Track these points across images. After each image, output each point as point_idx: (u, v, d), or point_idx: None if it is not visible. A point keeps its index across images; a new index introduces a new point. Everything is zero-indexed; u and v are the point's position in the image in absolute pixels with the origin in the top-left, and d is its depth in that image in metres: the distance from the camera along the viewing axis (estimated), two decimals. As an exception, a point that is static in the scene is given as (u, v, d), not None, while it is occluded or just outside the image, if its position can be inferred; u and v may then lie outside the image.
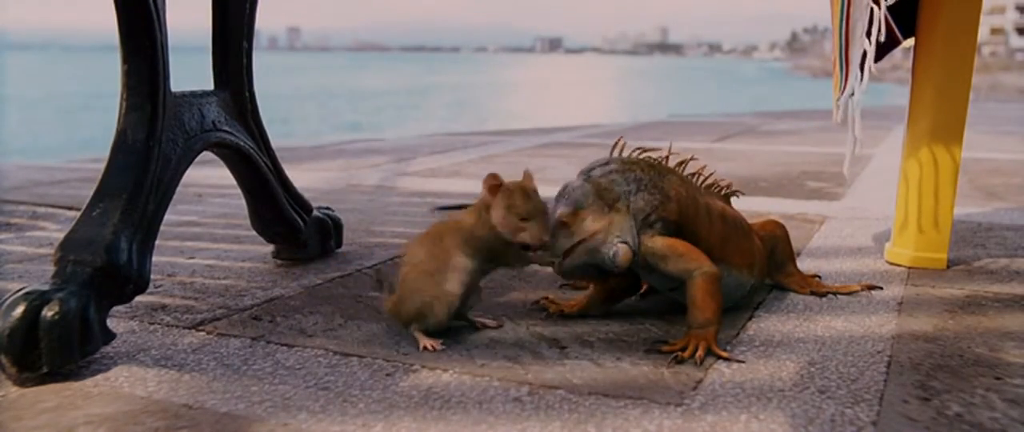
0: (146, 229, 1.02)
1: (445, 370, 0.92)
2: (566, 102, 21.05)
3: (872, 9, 1.23)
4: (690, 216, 0.99)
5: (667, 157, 1.04)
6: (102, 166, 1.03)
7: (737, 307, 1.11)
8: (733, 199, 1.16)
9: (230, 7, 1.30)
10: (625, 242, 0.96)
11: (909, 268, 1.38)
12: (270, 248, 1.45)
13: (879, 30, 1.23)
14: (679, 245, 0.97)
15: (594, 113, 13.43)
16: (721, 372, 0.91)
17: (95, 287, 0.93)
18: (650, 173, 0.99)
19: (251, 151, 1.30)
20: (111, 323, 0.99)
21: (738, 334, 1.03)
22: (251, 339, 1.03)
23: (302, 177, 2.34)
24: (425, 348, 0.98)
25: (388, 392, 0.86)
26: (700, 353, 0.93)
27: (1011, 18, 59.28)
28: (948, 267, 1.38)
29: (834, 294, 1.21)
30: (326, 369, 0.92)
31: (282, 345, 1.00)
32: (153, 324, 1.08)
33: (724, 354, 0.94)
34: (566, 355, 0.96)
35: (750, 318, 1.10)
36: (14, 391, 0.86)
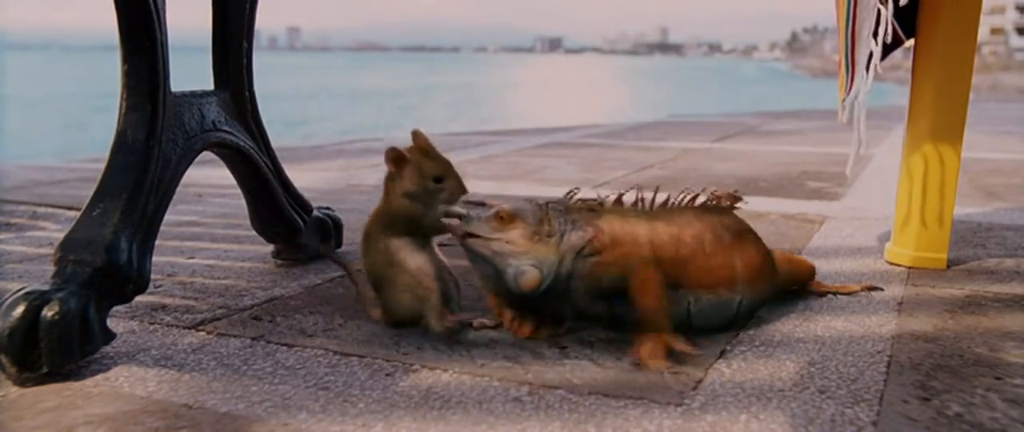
0: (146, 229, 1.02)
1: (445, 370, 0.92)
2: (566, 102, 21.05)
3: (879, 10, 1.23)
4: (627, 248, 0.96)
5: (619, 198, 1.02)
6: (102, 166, 1.03)
7: (733, 325, 1.06)
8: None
9: (230, 7, 1.30)
10: (538, 269, 0.94)
11: (909, 268, 1.38)
12: (270, 248, 1.45)
13: (886, 31, 1.23)
14: (610, 256, 0.96)
15: (594, 113, 13.43)
16: (721, 372, 0.91)
17: (95, 287, 0.93)
18: (588, 215, 0.99)
19: (251, 151, 1.30)
20: (111, 323, 0.99)
21: (738, 334, 1.03)
22: (251, 339, 1.03)
23: (302, 177, 2.34)
24: (476, 326, 1.00)
25: (388, 392, 0.86)
26: (659, 356, 0.91)
27: (1011, 18, 59.28)
28: (948, 267, 1.38)
29: (834, 294, 1.20)
30: (326, 369, 0.92)
31: (282, 345, 1.00)
32: (153, 324, 1.08)
33: (683, 347, 0.92)
34: (566, 355, 0.96)
35: (751, 318, 1.10)
36: (14, 391, 0.86)
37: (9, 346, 0.86)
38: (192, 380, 0.89)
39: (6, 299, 0.89)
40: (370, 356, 0.96)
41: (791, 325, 1.07)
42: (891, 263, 1.41)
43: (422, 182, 0.96)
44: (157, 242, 1.06)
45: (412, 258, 0.99)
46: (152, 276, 1.03)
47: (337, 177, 2.58)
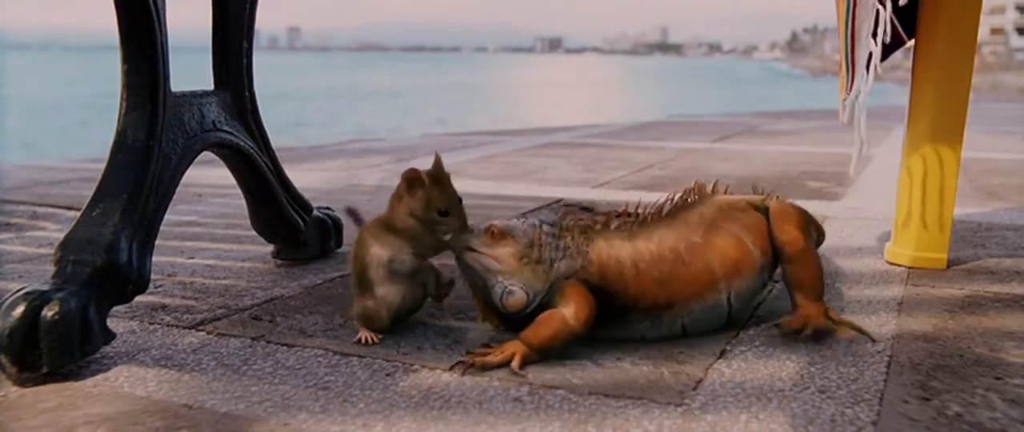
0: (146, 229, 1.02)
1: (445, 370, 0.92)
2: (566, 102, 21.05)
3: (878, 10, 1.23)
4: (614, 276, 0.97)
5: (608, 218, 1.02)
6: (102, 166, 1.03)
7: (733, 323, 1.06)
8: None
9: (230, 7, 1.30)
10: (525, 292, 0.95)
11: (909, 268, 1.38)
12: (270, 248, 1.45)
13: (885, 31, 1.23)
14: (573, 292, 0.95)
15: (594, 113, 13.43)
16: (721, 372, 0.91)
17: (95, 287, 0.93)
18: (578, 240, 0.98)
19: (251, 151, 1.30)
20: (111, 323, 0.99)
21: (738, 334, 1.03)
22: (251, 339, 1.03)
23: (302, 177, 2.34)
24: (362, 340, 1.00)
25: (388, 392, 0.86)
26: (514, 359, 0.91)
27: (1011, 18, 59.28)
28: (948, 267, 1.38)
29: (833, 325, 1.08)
30: (326, 369, 0.92)
31: (282, 345, 1.00)
32: (153, 324, 1.08)
33: (513, 362, 0.91)
34: (566, 355, 0.96)
35: (750, 318, 1.10)
36: (14, 391, 0.86)
37: (9, 346, 0.86)
38: (192, 380, 0.89)
39: (6, 299, 0.89)
40: (370, 356, 0.96)
41: (791, 325, 1.07)
42: (891, 263, 1.41)
43: (428, 211, 0.96)
44: (157, 242, 1.06)
45: (382, 285, 0.99)
46: (152, 276, 1.03)
47: (337, 177, 2.58)
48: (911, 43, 1.39)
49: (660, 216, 1.03)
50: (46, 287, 0.91)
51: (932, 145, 1.34)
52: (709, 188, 1.09)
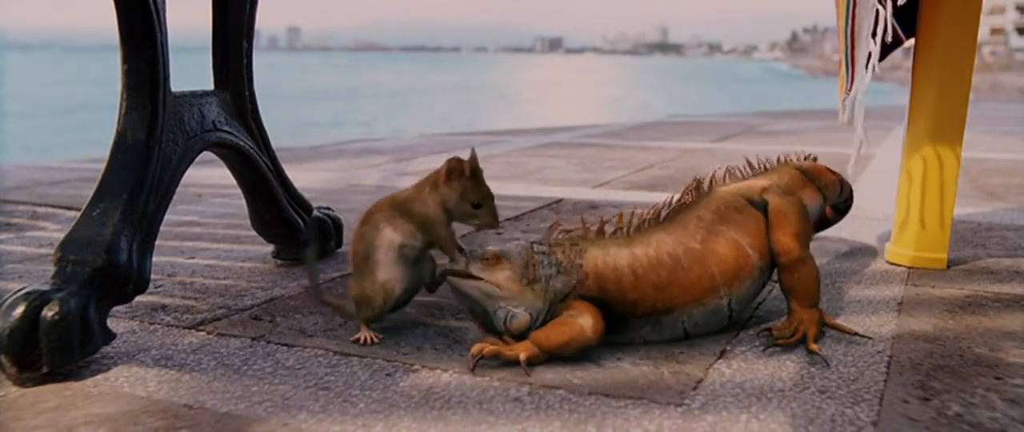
0: (146, 229, 1.02)
1: (445, 370, 0.92)
2: (566, 102, 21.05)
3: (878, 10, 1.23)
4: (611, 284, 0.97)
5: (601, 226, 1.02)
6: (102, 166, 1.03)
7: (734, 324, 1.06)
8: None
9: (230, 7, 1.30)
10: (528, 314, 0.95)
11: (909, 268, 1.38)
12: (270, 248, 1.45)
13: (885, 31, 1.23)
14: (587, 308, 0.95)
15: (594, 113, 13.43)
16: (721, 372, 0.91)
17: (95, 287, 0.93)
18: (570, 253, 0.98)
19: (251, 151, 1.30)
20: (111, 323, 0.99)
21: (738, 334, 1.03)
22: (251, 339, 1.03)
23: (302, 177, 2.35)
24: (361, 340, 1.00)
25: (388, 392, 0.86)
26: (523, 357, 0.91)
27: (1011, 18, 59.28)
28: (948, 267, 1.38)
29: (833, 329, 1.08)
30: (326, 369, 0.92)
31: (282, 345, 1.00)
32: (153, 324, 1.08)
33: (521, 358, 0.92)
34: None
35: (750, 318, 1.10)
36: (14, 391, 0.86)
37: (9, 346, 0.86)
38: (192, 380, 0.89)
39: (6, 299, 0.89)
40: (370, 356, 0.96)
41: (791, 325, 1.07)
42: (891, 263, 1.41)
43: (462, 203, 0.96)
44: (157, 242, 1.06)
45: (386, 269, 0.99)
46: (152, 276, 1.03)
47: (337, 177, 2.58)
48: (911, 43, 1.39)
49: (657, 221, 1.03)
50: (46, 287, 0.91)
51: (932, 145, 1.34)
52: (706, 183, 1.09)
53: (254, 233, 1.41)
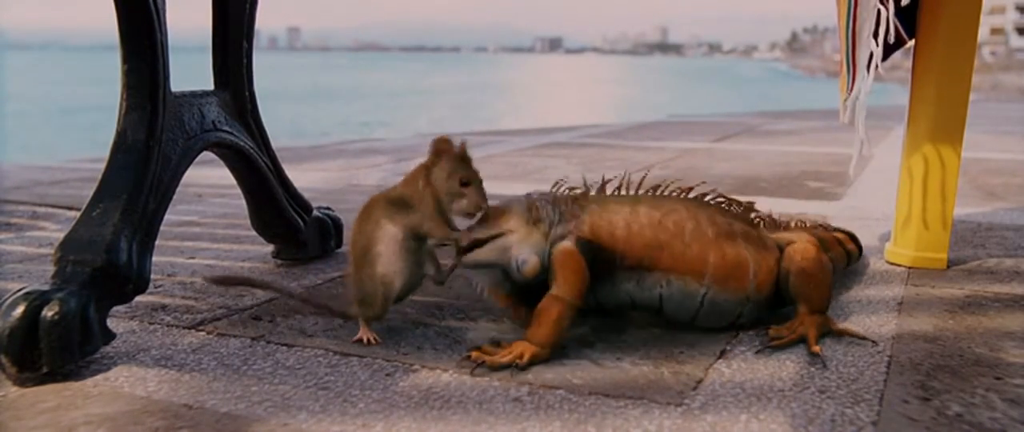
0: (146, 229, 1.02)
1: (445, 370, 0.92)
2: (566, 102, 21.05)
3: (879, 10, 1.23)
4: (606, 235, 0.99)
5: (603, 185, 1.05)
6: (102, 166, 1.03)
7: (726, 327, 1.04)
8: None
9: (230, 7, 1.30)
10: (537, 255, 0.97)
11: (909, 268, 1.38)
12: (270, 248, 1.45)
13: (887, 31, 1.23)
14: (569, 261, 0.96)
15: (594, 113, 13.43)
16: (721, 372, 0.91)
17: (95, 287, 0.93)
18: (570, 207, 1.01)
19: (251, 151, 1.30)
20: (111, 323, 0.99)
21: (738, 334, 1.03)
22: (251, 339, 1.03)
23: (302, 177, 2.35)
24: (364, 340, 1.00)
25: (388, 392, 0.86)
26: (522, 358, 0.91)
27: (1011, 18, 59.27)
28: (948, 267, 1.38)
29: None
30: (326, 369, 0.92)
31: (282, 345, 1.00)
32: (153, 324, 1.08)
33: (517, 361, 0.92)
34: (566, 355, 0.96)
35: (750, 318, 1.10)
36: (14, 391, 0.86)
37: (9, 346, 0.86)
38: (192, 380, 0.89)
39: (6, 299, 0.89)
40: (370, 356, 0.96)
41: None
42: (891, 263, 1.41)
43: (450, 181, 0.96)
44: (157, 242, 1.06)
45: (385, 262, 0.98)
46: (152, 276, 1.03)
47: (337, 177, 2.58)
48: (911, 43, 1.39)
49: (685, 196, 1.05)
50: (46, 287, 0.91)
51: (932, 145, 1.34)
52: (791, 222, 1.16)
53: (254, 233, 1.41)
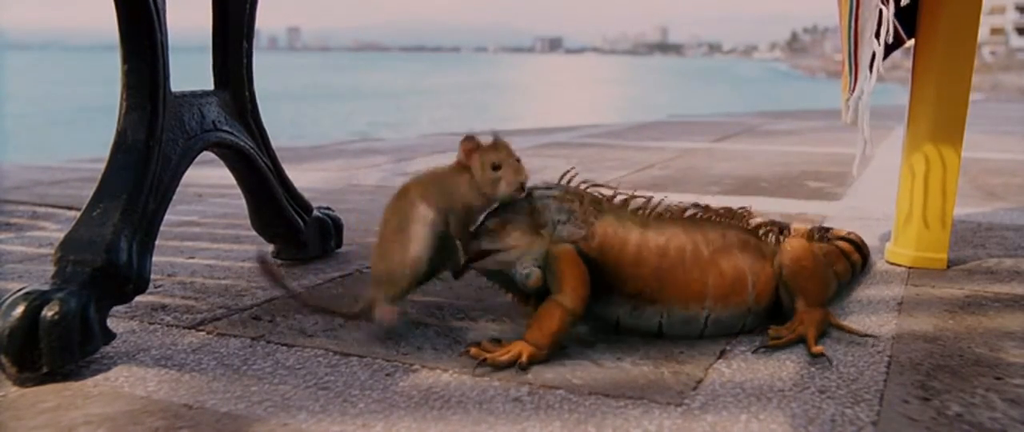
0: (146, 229, 1.02)
1: (445, 370, 0.92)
2: (566, 102, 21.05)
3: (881, 10, 1.23)
4: (613, 256, 0.98)
5: (614, 195, 1.03)
6: (102, 166, 1.03)
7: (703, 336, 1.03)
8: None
9: (230, 7, 1.30)
10: (538, 267, 0.96)
11: (909, 268, 1.38)
12: (270, 248, 1.45)
13: (887, 31, 1.23)
14: (571, 266, 0.95)
15: (594, 113, 13.43)
16: (721, 372, 0.91)
17: (95, 287, 0.93)
18: (585, 208, 0.99)
19: (251, 151, 1.30)
20: (111, 323, 0.99)
21: (738, 334, 1.03)
22: (251, 339, 1.03)
23: (302, 177, 2.35)
24: (384, 318, 0.99)
25: (388, 392, 0.86)
26: (521, 358, 0.91)
27: (1011, 18, 59.27)
28: (948, 267, 1.38)
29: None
30: (326, 369, 0.92)
31: (282, 345, 1.00)
32: (153, 324, 1.08)
33: (518, 361, 0.92)
34: (566, 355, 0.96)
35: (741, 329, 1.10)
36: (14, 391, 0.86)
37: (9, 346, 0.86)
38: (192, 380, 0.89)
39: (6, 299, 0.89)
40: (370, 356, 0.96)
41: (791, 325, 1.07)
42: (891, 263, 1.41)
43: (483, 171, 0.95)
44: (157, 242, 1.06)
45: (417, 243, 0.97)
46: (152, 276, 1.03)
47: (337, 177, 2.58)
48: (911, 43, 1.39)
49: (681, 216, 1.04)
50: (46, 287, 0.91)
51: (932, 145, 1.34)
52: (793, 227, 1.12)
53: (254, 233, 1.41)
